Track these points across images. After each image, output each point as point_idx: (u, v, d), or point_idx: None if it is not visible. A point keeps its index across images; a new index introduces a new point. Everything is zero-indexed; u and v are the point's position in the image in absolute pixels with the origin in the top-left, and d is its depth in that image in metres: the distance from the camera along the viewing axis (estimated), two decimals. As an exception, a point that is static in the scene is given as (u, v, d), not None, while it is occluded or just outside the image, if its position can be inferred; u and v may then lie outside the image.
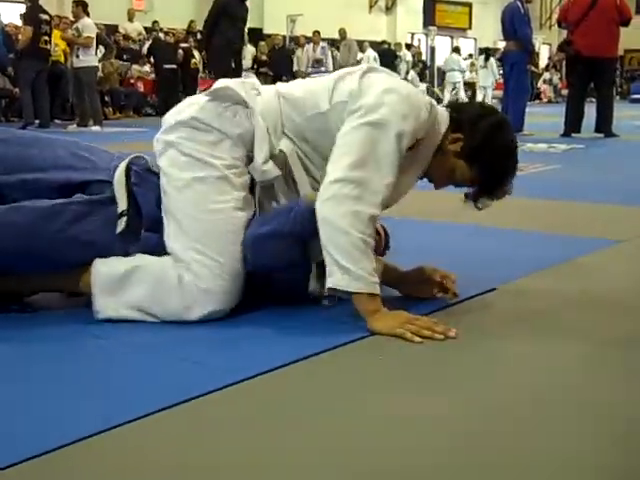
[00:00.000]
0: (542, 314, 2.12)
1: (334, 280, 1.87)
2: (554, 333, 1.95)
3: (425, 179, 2.18)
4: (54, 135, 2.37)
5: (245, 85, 2.16)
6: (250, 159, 2.06)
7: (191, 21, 15.91)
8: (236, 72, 8.84)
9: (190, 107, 2.12)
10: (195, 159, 2.03)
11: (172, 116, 2.13)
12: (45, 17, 10.36)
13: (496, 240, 3.06)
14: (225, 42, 8.98)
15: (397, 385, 1.62)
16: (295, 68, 15.85)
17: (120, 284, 1.98)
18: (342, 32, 16.36)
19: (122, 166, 2.10)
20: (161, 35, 14.91)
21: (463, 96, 19.02)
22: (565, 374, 1.68)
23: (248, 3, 9.33)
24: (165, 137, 2.09)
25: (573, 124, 8.81)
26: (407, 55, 20.07)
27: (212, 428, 1.40)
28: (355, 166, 1.91)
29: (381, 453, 1.30)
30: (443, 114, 2.11)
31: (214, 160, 2.03)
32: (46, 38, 10.28)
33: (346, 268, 1.85)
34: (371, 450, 1.31)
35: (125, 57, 14.63)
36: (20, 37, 10.47)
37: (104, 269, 2.00)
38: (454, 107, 2.18)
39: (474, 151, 2.09)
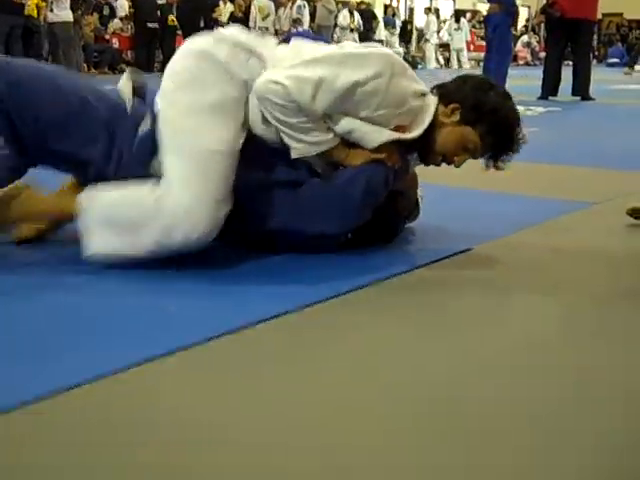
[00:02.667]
0: (516, 273, 2.16)
1: (298, 150, 2.08)
2: (528, 291, 1.99)
3: (444, 164, 2.26)
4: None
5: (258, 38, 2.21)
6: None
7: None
8: (206, 29, 8.73)
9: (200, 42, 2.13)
10: (195, 80, 2.05)
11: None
12: (18, -30, 10.19)
13: (472, 201, 3.09)
14: (189, 1, 8.87)
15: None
16: (277, 27, 15.67)
17: (106, 220, 2.00)
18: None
19: (124, 76, 2.25)
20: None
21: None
22: (542, 333, 1.73)
23: None
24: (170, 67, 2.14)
25: (550, 87, 8.84)
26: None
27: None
28: (310, 64, 2.04)
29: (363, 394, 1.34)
30: (430, 98, 2.18)
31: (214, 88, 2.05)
32: (19, -9, 10.13)
33: (301, 139, 2.05)
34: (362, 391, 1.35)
35: (104, 13, 14.44)
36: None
37: (90, 205, 2.02)
38: (436, 87, 2.24)
39: (474, 110, 2.15)
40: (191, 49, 2.13)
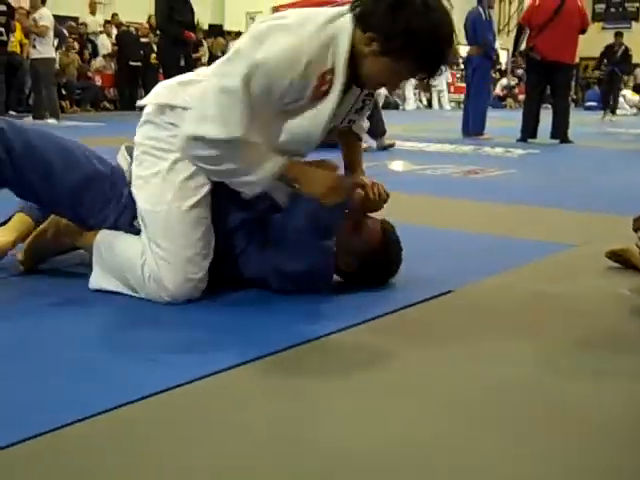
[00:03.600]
0: (495, 316, 2.16)
1: (246, 194, 2.07)
2: (506, 334, 1.99)
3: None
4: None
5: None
6: None
7: (150, 15, 15.77)
8: (186, 69, 8.78)
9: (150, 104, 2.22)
10: (151, 155, 2.15)
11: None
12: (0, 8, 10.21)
13: (450, 242, 3.10)
14: (171, 39, 8.91)
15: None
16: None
17: (109, 270, 2.19)
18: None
19: (122, 147, 2.32)
20: (125, 28, 14.79)
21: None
22: (516, 374, 1.72)
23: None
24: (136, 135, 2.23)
25: (529, 130, 8.93)
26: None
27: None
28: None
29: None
30: (343, 21, 1.97)
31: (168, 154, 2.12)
32: (0, 29, 10.14)
33: (244, 183, 2.04)
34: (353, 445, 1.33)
35: (86, 52, 14.50)
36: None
37: (103, 246, 2.21)
38: (353, 5, 1.98)
39: (391, 39, 1.92)
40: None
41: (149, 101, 2.23)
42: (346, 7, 1.98)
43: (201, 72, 2.26)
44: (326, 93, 2.00)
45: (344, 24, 1.96)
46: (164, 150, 2.13)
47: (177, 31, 8.74)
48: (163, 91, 2.23)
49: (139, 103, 2.33)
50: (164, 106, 2.17)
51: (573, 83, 19.12)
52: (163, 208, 2.09)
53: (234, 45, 2.02)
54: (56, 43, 11.72)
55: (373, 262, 2.29)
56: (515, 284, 2.49)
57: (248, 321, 2.01)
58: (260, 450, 1.31)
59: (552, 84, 8.95)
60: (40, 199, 2.26)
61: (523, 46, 9.08)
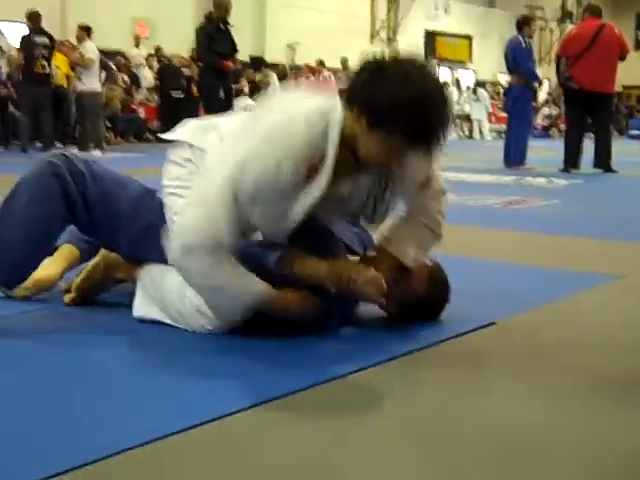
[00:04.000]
0: (539, 351, 2.12)
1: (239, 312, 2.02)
2: (549, 370, 1.95)
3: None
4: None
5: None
6: None
7: (192, 48, 16.00)
8: (226, 100, 8.86)
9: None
10: (177, 196, 2.17)
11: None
12: (42, 40, 10.34)
13: (493, 274, 3.06)
14: (210, 71, 9.01)
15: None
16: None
17: (153, 294, 2.21)
18: (344, 62, 16.30)
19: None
20: (166, 61, 15.01)
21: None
22: (559, 412, 1.68)
23: (238, 31, 9.25)
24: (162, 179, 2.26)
25: (572, 160, 8.84)
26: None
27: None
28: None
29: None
30: (334, 111, 1.91)
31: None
32: (43, 62, 10.29)
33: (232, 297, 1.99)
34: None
35: (129, 83, 14.74)
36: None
37: (148, 278, 2.24)
38: (346, 89, 1.90)
39: (374, 112, 1.82)
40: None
41: (169, 136, 2.27)
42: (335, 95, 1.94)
43: (235, 111, 2.29)
44: (313, 178, 1.93)
45: (334, 113, 1.90)
46: (186, 188, 2.14)
47: (216, 61, 8.82)
48: (185, 129, 2.28)
49: (162, 136, 2.35)
50: (183, 143, 2.22)
51: (615, 110, 18.96)
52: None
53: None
54: (103, 76, 11.97)
55: (417, 306, 2.25)
56: (559, 318, 2.44)
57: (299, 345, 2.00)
58: None
59: (592, 114, 8.84)
60: (101, 238, 2.33)
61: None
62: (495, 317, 2.35)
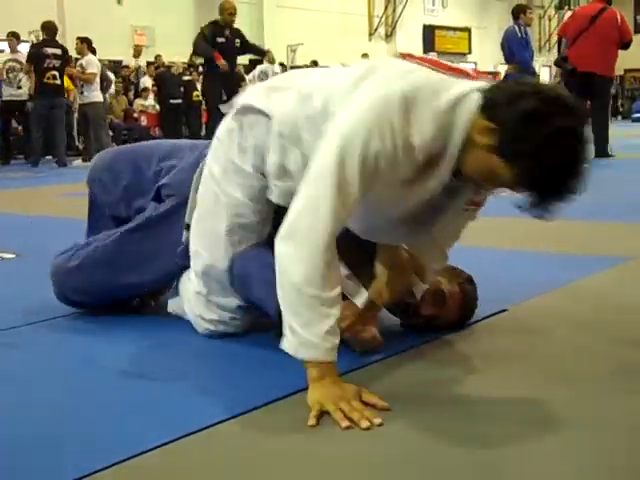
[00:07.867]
0: (553, 336, 2.10)
1: (284, 342, 1.65)
2: (564, 356, 1.94)
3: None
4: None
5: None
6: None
7: (192, 54, 16.00)
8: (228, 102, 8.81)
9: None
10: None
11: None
12: (53, 51, 10.25)
13: (501, 261, 3.06)
14: (210, 73, 9.02)
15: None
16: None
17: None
18: (343, 65, 16.34)
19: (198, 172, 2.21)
20: (162, 68, 15.00)
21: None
22: (580, 396, 1.67)
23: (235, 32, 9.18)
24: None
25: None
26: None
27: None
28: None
29: None
30: (463, 107, 1.64)
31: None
32: (54, 73, 10.19)
33: (294, 329, 1.63)
34: None
35: (130, 93, 14.77)
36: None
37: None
38: (485, 90, 1.64)
39: (511, 144, 1.57)
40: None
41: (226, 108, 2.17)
42: (476, 85, 1.68)
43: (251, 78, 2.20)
44: (431, 170, 1.69)
45: (463, 108, 1.64)
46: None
47: (208, 52, 8.80)
48: (248, 95, 2.15)
49: (223, 108, 2.23)
50: (247, 107, 2.08)
51: (620, 95, 18.90)
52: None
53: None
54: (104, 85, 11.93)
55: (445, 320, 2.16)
56: (572, 302, 2.43)
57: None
58: None
59: (590, 98, 8.57)
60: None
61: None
62: (506, 303, 2.34)
